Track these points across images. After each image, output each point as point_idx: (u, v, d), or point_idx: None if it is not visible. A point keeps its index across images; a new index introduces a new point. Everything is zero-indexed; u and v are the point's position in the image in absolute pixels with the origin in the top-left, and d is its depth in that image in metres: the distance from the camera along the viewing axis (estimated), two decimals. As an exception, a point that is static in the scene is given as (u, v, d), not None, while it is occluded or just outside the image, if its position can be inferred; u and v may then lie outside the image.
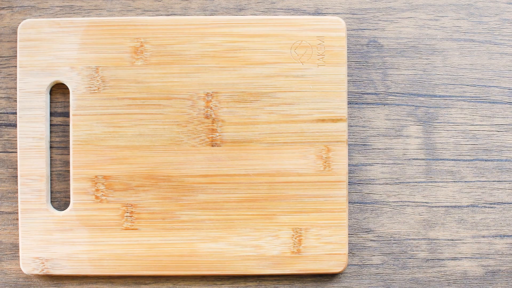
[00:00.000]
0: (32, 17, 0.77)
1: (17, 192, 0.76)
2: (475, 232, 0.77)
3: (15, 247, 0.76)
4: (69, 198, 0.76)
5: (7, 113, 0.76)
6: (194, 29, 0.75)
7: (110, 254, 0.75)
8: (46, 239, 0.75)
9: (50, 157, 0.76)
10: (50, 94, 0.76)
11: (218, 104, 0.75)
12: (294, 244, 0.75)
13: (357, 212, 0.77)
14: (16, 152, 0.76)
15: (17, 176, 0.76)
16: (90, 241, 0.75)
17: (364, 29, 0.77)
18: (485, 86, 0.77)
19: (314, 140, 0.75)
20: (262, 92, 0.75)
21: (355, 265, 0.77)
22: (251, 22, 0.75)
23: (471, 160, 0.77)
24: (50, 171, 0.76)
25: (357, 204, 0.77)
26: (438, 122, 0.77)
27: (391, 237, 0.77)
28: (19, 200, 0.75)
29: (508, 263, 0.77)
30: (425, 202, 0.77)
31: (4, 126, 0.76)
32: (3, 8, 0.77)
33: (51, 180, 0.76)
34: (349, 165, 0.77)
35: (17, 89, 0.75)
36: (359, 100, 0.77)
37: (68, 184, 0.76)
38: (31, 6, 0.77)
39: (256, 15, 0.77)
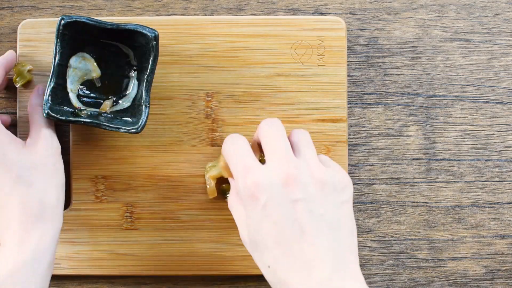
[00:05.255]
0: (32, 17, 0.77)
1: (17, 192, 0.76)
2: (475, 232, 0.77)
3: (15, 247, 0.76)
4: (69, 198, 0.76)
5: (7, 113, 0.76)
6: (194, 29, 0.75)
7: (110, 254, 0.75)
8: (46, 239, 0.75)
9: (50, 157, 0.76)
10: (50, 94, 0.76)
11: (218, 104, 0.75)
12: (294, 244, 0.75)
13: (357, 212, 0.77)
14: (16, 152, 0.76)
15: (17, 176, 0.76)
16: (90, 241, 0.75)
17: (364, 29, 0.77)
18: (485, 86, 0.77)
19: (314, 140, 0.75)
20: (262, 92, 0.75)
21: (355, 265, 0.77)
22: (251, 22, 0.75)
23: (471, 160, 0.77)
24: (50, 171, 0.76)
25: (357, 204, 0.77)
26: (438, 122, 0.77)
27: (391, 237, 0.77)
28: (19, 200, 0.75)
29: (508, 263, 0.77)
30: (425, 202, 0.77)
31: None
32: (3, 8, 0.77)
33: (51, 180, 0.76)
34: (349, 165, 0.77)
35: (17, 89, 0.75)
36: (359, 100, 0.77)
37: (68, 184, 0.76)
38: (31, 6, 0.77)
39: (256, 15, 0.77)
